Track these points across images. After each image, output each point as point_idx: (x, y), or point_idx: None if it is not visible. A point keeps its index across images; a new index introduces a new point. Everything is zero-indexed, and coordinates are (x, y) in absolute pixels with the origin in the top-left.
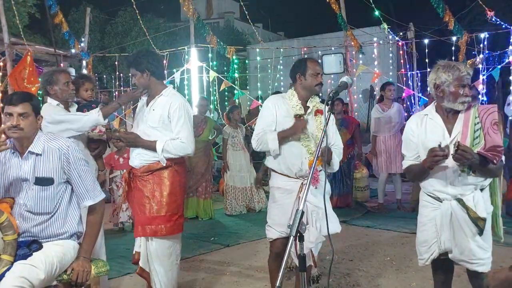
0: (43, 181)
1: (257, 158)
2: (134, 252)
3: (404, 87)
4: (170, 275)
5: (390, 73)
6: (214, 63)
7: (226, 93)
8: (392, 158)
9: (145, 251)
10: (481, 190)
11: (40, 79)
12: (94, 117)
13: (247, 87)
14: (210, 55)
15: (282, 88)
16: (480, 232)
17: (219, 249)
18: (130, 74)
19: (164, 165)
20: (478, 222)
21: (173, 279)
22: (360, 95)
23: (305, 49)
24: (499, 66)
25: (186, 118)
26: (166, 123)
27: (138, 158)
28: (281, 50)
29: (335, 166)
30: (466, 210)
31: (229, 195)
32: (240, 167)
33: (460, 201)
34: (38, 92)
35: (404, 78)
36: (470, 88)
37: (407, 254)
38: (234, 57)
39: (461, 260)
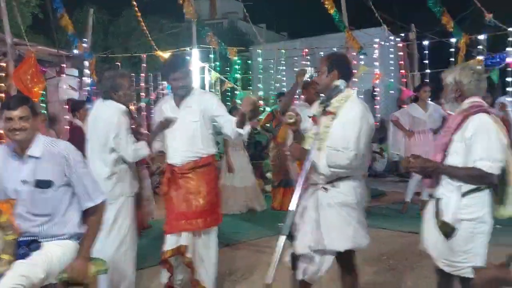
0: (43, 184)
1: (257, 158)
2: (166, 250)
3: (404, 88)
4: (216, 262)
5: (392, 74)
6: (217, 63)
7: (229, 94)
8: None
9: (191, 245)
10: (466, 194)
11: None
12: (144, 153)
13: (250, 88)
14: (211, 56)
15: (284, 89)
16: (444, 235)
17: (220, 249)
18: (177, 77)
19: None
20: (440, 225)
21: (217, 265)
22: (362, 96)
23: (306, 50)
24: (498, 68)
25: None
26: (205, 117)
27: (179, 155)
28: (283, 51)
29: (318, 167)
30: (436, 209)
31: (227, 195)
32: (240, 167)
33: (437, 200)
34: (42, 92)
35: (405, 80)
36: None
37: (403, 253)
38: (236, 57)
39: (433, 257)
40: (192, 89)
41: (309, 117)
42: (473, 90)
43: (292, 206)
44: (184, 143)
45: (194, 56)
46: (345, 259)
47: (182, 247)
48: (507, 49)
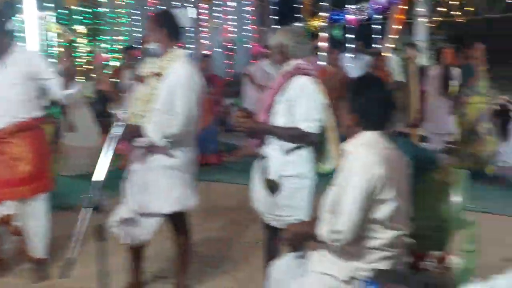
0: None
1: (106, 115)
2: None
3: (255, 44)
4: (47, 230)
5: (245, 28)
6: (60, 12)
7: (75, 48)
8: None
9: (18, 213)
10: (289, 152)
11: None
12: None
13: (103, 39)
14: (50, 4)
15: (138, 41)
16: (270, 191)
17: (59, 212)
18: None
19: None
20: (266, 182)
21: (48, 233)
22: (219, 49)
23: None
24: (339, 24)
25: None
26: (30, 79)
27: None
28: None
29: (150, 134)
30: (262, 167)
31: (69, 156)
32: (83, 125)
33: (263, 158)
34: None
35: (257, 35)
36: None
37: (247, 206)
38: (77, 6)
39: (261, 213)
40: (11, 46)
41: (136, 77)
42: (296, 52)
43: (97, 177)
44: (2, 106)
45: (28, 3)
46: (176, 220)
47: (6, 217)
48: (346, 6)
